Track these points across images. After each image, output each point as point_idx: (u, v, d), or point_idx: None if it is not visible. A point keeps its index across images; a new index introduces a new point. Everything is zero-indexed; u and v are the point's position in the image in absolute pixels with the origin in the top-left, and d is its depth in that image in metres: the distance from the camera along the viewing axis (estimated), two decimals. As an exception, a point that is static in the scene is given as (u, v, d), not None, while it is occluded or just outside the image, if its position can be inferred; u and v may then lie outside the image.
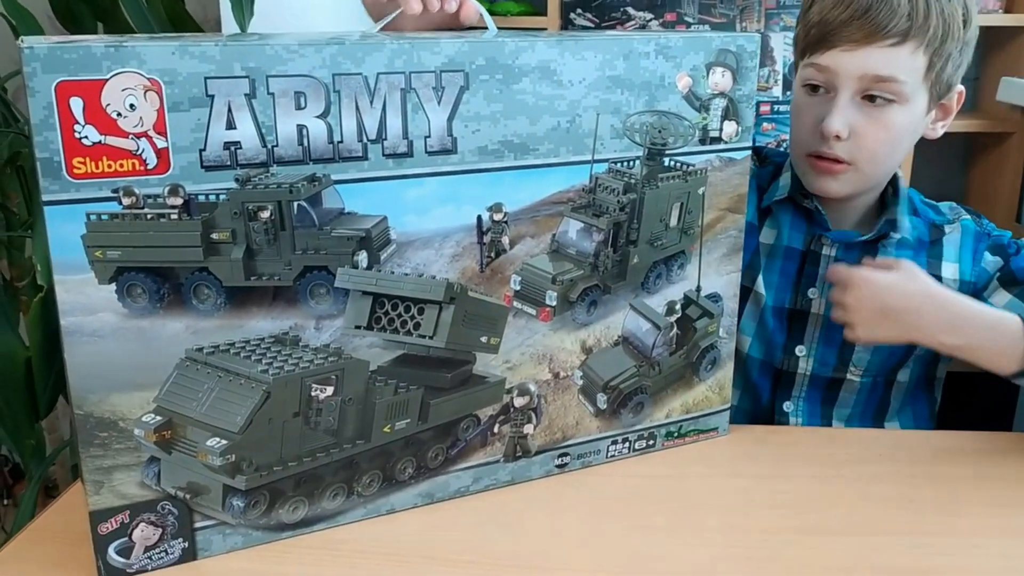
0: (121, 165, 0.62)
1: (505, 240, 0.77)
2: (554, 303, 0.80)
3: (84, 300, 0.64)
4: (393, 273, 0.73)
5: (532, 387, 0.81)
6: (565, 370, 0.83)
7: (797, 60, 0.99)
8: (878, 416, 1.05)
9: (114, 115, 0.61)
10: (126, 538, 0.70)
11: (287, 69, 0.65)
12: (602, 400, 0.85)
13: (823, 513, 0.80)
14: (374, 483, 0.77)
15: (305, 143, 0.67)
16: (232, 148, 0.65)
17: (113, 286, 0.64)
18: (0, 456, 2.15)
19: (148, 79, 0.61)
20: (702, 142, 0.83)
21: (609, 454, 0.88)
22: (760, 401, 1.05)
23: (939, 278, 1.00)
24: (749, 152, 0.86)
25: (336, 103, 0.67)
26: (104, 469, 0.68)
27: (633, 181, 0.81)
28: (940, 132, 1.01)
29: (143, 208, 0.63)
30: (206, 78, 0.63)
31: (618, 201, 0.81)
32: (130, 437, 0.67)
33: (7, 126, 1.47)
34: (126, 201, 0.63)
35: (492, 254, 0.76)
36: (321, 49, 0.66)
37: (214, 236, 0.66)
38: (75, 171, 0.61)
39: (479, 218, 0.75)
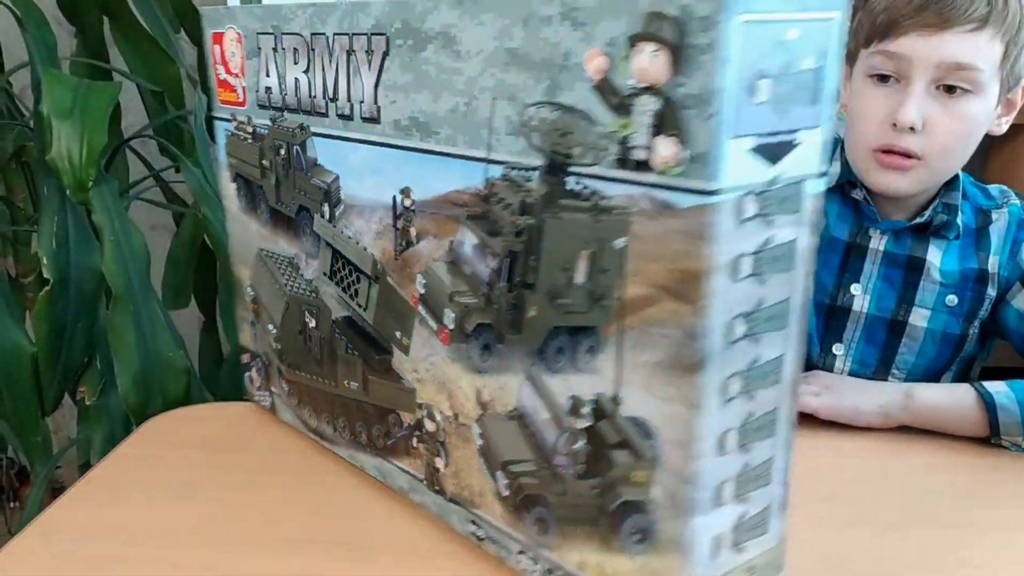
0: (231, 97, 0.84)
1: (412, 231, 0.66)
2: (452, 326, 0.64)
3: (227, 190, 0.90)
4: (343, 232, 0.74)
5: (438, 416, 0.68)
6: (464, 415, 0.65)
7: (856, 49, 0.93)
8: None
9: (229, 58, 0.83)
10: (251, 372, 0.94)
11: (290, 27, 0.75)
12: (502, 483, 0.63)
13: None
14: (345, 431, 0.80)
15: (299, 94, 0.75)
16: (268, 92, 0.79)
17: (235, 184, 0.88)
18: (6, 459, 2.15)
19: (237, 33, 0.81)
20: (621, 163, 0.50)
21: (519, 564, 0.64)
22: None
23: (985, 272, 0.98)
24: (717, 201, 0.47)
25: (313, 60, 0.73)
26: (241, 316, 0.93)
27: (531, 200, 0.56)
28: (1005, 128, 0.96)
29: (239, 132, 0.85)
30: (258, 33, 0.79)
31: (513, 222, 0.58)
32: (244, 299, 0.91)
33: (12, 120, 1.43)
34: (232, 125, 0.85)
35: (403, 243, 0.67)
36: (306, 9, 0.72)
37: (264, 162, 0.82)
38: (220, 97, 0.86)
39: (394, 199, 0.67)
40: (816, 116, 0.50)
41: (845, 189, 0.99)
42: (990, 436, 0.86)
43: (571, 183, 0.54)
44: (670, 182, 0.48)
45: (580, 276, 0.55)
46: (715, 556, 0.55)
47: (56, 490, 1.24)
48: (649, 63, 0.48)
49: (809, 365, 0.99)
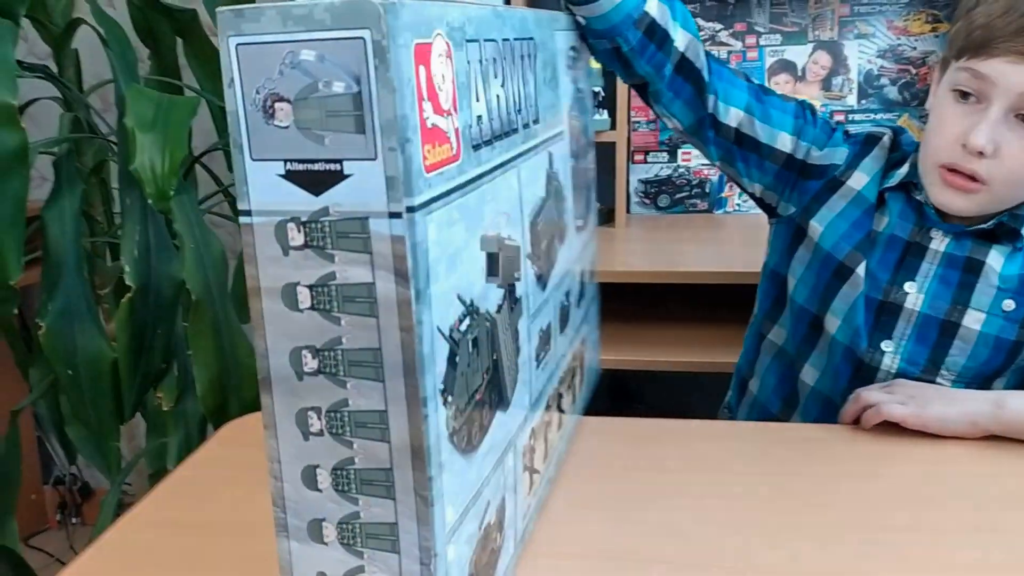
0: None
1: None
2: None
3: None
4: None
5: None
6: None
7: (948, 59, 0.91)
8: None
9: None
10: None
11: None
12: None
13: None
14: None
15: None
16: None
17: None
18: (69, 475, 2.06)
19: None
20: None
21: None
22: (838, 385, 0.99)
23: None
24: (250, 222, 0.46)
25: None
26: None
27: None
28: None
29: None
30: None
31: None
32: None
33: (92, 135, 1.32)
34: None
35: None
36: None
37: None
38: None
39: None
40: (366, 147, 0.45)
41: (909, 189, 0.97)
42: None
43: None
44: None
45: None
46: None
47: (119, 504, 1.33)
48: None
49: (856, 359, 0.98)
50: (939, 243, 0.95)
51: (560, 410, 0.82)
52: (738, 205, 1.97)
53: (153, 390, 1.24)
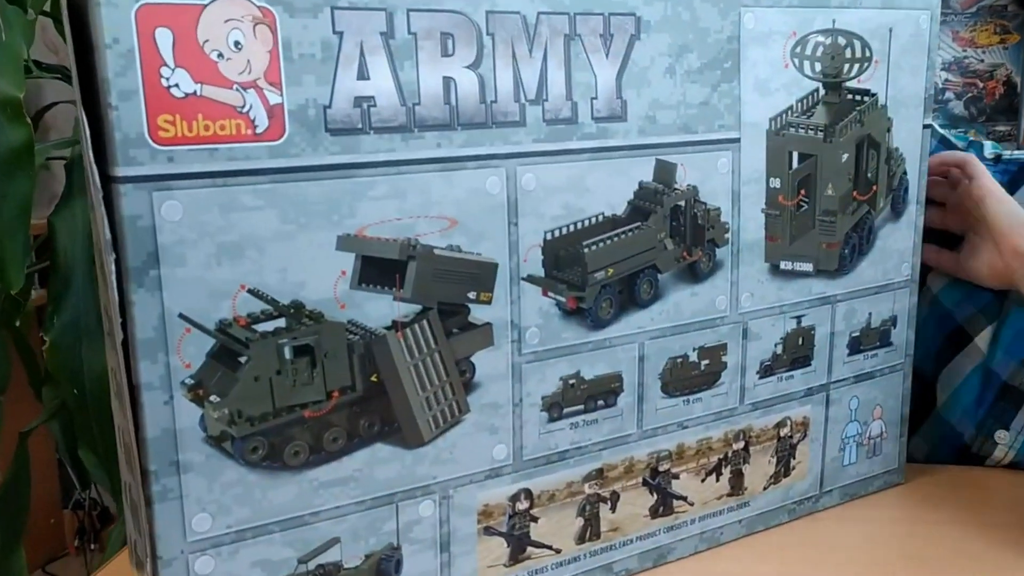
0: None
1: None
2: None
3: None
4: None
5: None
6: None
7: None
8: None
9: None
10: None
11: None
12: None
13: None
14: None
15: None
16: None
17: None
18: (89, 499, 1.96)
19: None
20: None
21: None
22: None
23: None
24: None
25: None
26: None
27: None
28: None
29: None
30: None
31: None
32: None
33: None
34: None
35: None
36: None
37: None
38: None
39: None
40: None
41: None
42: None
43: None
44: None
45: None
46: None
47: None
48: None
49: (960, 445, 0.85)
50: None
51: (668, 494, 0.64)
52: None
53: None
